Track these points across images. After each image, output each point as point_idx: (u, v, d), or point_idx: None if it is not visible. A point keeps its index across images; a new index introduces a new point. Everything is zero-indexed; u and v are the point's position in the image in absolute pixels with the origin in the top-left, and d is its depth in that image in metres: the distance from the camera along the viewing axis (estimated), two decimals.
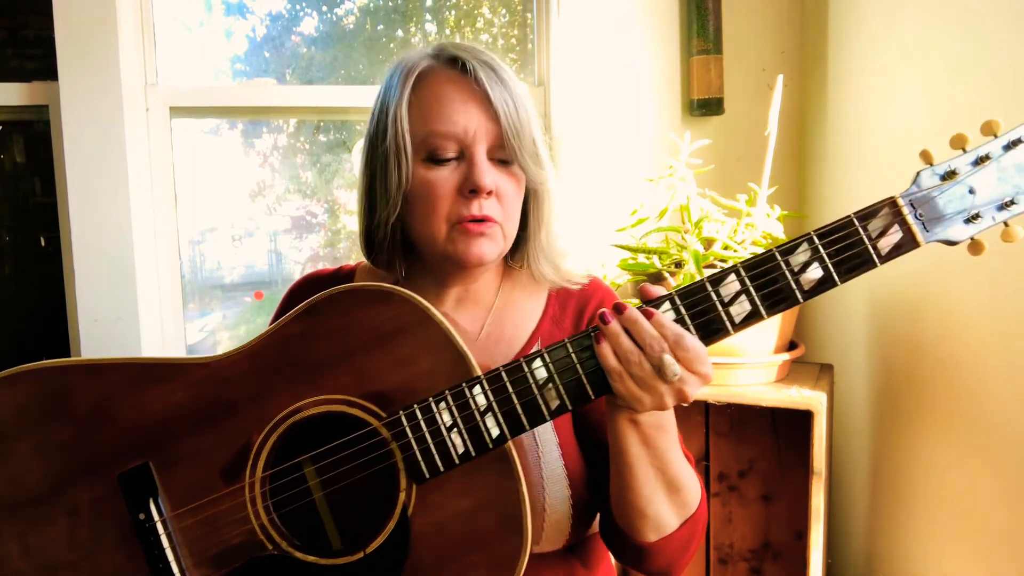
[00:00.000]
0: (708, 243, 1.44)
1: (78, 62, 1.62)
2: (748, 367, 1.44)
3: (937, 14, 1.28)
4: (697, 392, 0.76)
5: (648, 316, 0.76)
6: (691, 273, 1.34)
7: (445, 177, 0.88)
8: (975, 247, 0.75)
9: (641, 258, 1.48)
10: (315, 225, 1.99)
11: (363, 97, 1.82)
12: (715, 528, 1.57)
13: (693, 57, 1.75)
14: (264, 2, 1.90)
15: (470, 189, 0.87)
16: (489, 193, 0.87)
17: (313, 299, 0.80)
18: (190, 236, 1.90)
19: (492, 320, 0.99)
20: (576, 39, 1.76)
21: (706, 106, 1.75)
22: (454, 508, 0.77)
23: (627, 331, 0.76)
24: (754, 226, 1.45)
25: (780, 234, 1.46)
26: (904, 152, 1.40)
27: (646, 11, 1.77)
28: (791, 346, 1.54)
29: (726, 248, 1.42)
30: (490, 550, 0.76)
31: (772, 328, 1.45)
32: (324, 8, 1.93)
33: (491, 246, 0.90)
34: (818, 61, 1.71)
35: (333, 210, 1.99)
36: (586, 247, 1.66)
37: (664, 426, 0.81)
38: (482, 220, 0.88)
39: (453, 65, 0.89)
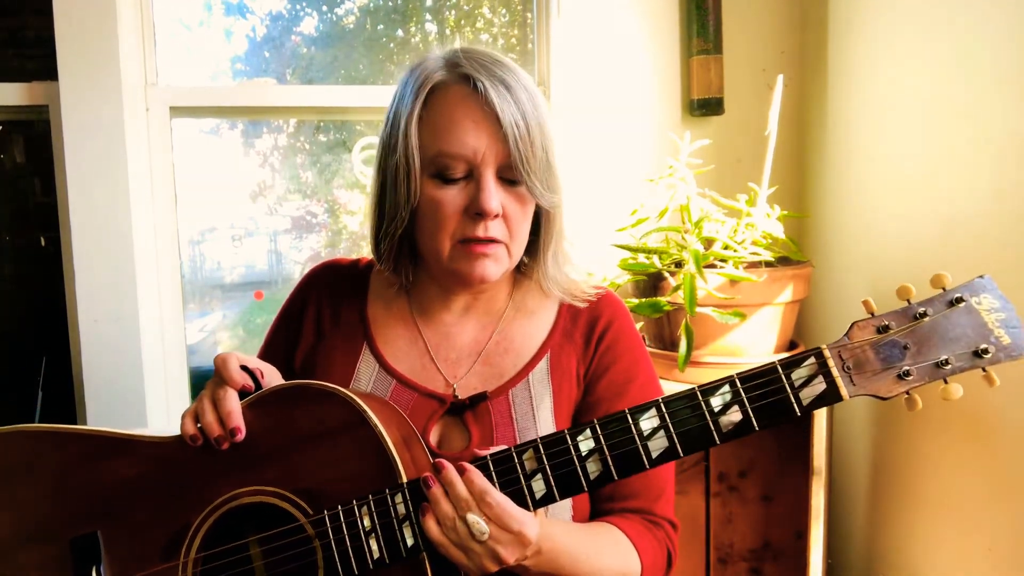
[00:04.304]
0: (708, 243, 1.44)
1: (78, 62, 1.62)
2: (748, 367, 1.44)
3: (937, 14, 1.29)
4: (518, 555, 0.74)
5: (462, 472, 0.74)
6: (691, 273, 1.34)
7: (453, 197, 0.87)
8: (910, 403, 0.72)
9: (641, 258, 1.48)
10: (315, 225, 1.99)
11: (363, 97, 1.82)
12: (715, 528, 1.57)
13: (693, 57, 1.75)
14: (264, 2, 1.90)
15: (476, 212, 0.86)
16: (495, 216, 0.87)
17: (261, 392, 0.84)
18: (190, 236, 1.90)
19: (501, 329, 0.98)
20: (576, 39, 1.76)
21: (706, 106, 1.75)
22: None
23: (447, 494, 0.74)
24: (754, 226, 1.45)
25: (780, 234, 1.46)
26: (904, 152, 1.40)
27: (646, 11, 1.77)
28: (791, 345, 1.54)
29: (726, 248, 1.42)
30: None
31: (772, 328, 1.45)
32: (324, 8, 1.93)
33: (495, 267, 0.89)
34: (818, 61, 1.71)
35: (333, 210, 1.99)
36: (586, 247, 1.66)
37: (559, 566, 0.79)
38: (487, 241, 0.87)
39: (466, 82, 0.86)
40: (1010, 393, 1.11)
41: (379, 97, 1.81)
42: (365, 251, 1.97)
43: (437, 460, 0.76)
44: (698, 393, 0.74)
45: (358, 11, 1.97)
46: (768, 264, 1.43)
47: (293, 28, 1.93)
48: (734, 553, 1.58)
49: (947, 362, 0.70)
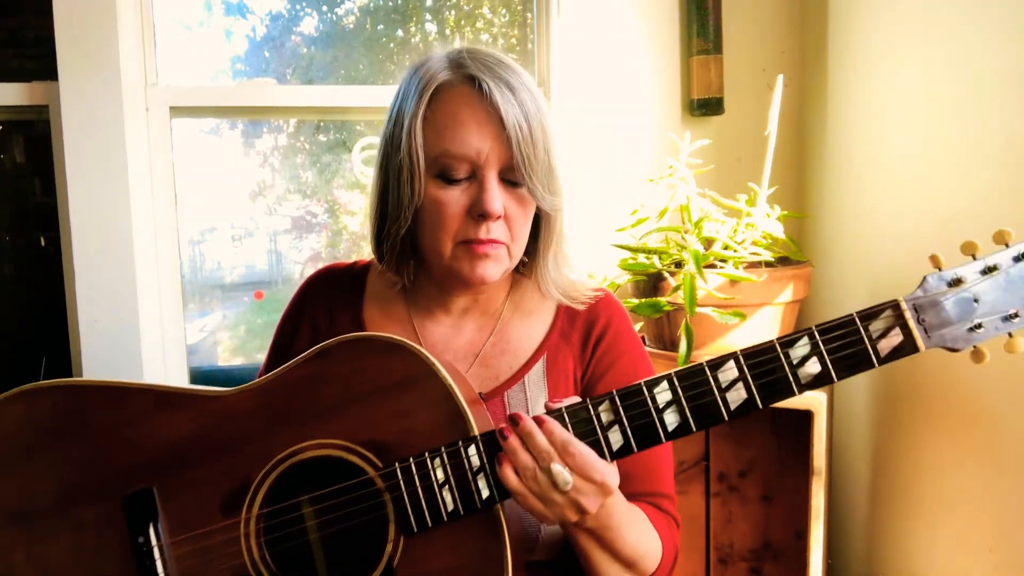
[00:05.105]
0: (708, 243, 1.44)
1: (78, 62, 1.62)
2: None
3: (937, 14, 1.28)
4: (599, 504, 0.75)
5: (540, 424, 0.74)
6: (691, 273, 1.34)
7: (456, 198, 0.87)
8: (977, 355, 0.74)
9: (641, 258, 1.48)
10: (315, 225, 1.99)
11: (363, 97, 1.82)
12: (715, 528, 1.57)
13: (693, 57, 1.75)
14: (264, 2, 1.90)
15: (479, 213, 0.86)
16: (498, 217, 0.87)
17: (326, 343, 0.82)
18: (190, 236, 1.90)
19: (498, 330, 0.98)
20: (576, 39, 1.76)
21: (706, 106, 1.75)
22: (438, 564, 0.77)
23: (525, 445, 0.74)
24: (754, 226, 1.45)
25: (780, 234, 1.46)
26: (904, 152, 1.40)
27: (646, 11, 1.77)
28: None
29: (726, 248, 1.42)
30: None
31: (772, 328, 1.45)
32: (324, 8, 1.93)
33: (495, 267, 0.89)
34: (818, 61, 1.71)
35: (333, 210, 1.99)
36: (586, 248, 1.66)
37: (607, 526, 0.80)
38: (489, 242, 0.87)
39: (470, 83, 0.86)
40: (1011, 393, 1.12)
41: (379, 97, 1.81)
42: (365, 251, 1.97)
43: (513, 412, 0.76)
44: (777, 345, 0.75)
45: (358, 11, 1.97)
46: (768, 264, 1.43)
47: (293, 28, 1.93)
48: (734, 553, 1.58)
49: (1016, 315, 0.72)
